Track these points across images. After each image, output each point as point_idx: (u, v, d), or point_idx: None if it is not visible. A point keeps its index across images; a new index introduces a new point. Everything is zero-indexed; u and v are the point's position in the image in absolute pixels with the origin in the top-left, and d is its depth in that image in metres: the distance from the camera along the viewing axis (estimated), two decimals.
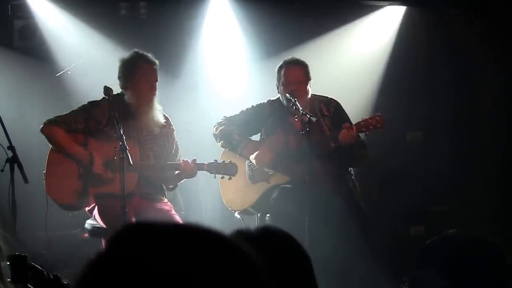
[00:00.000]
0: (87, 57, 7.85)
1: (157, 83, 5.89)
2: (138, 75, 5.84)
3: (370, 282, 5.88)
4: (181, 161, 5.84)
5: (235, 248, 1.22)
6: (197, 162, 5.83)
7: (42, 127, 5.86)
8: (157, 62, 5.89)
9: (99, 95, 5.77)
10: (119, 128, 5.26)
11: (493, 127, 8.12)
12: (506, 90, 8.07)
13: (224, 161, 5.99)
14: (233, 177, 5.95)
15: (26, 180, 5.37)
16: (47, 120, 5.87)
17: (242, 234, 1.82)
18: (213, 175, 5.93)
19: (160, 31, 8.09)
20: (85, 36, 7.98)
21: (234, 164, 5.93)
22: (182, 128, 6.94)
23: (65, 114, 5.89)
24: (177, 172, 5.93)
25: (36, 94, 7.92)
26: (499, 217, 7.79)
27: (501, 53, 8.02)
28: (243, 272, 1.19)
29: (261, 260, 1.22)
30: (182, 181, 6.06)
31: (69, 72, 7.78)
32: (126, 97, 5.88)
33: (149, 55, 5.89)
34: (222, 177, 5.96)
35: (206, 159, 5.91)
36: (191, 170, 5.81)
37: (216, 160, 5.94)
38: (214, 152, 6.32)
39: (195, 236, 1.21)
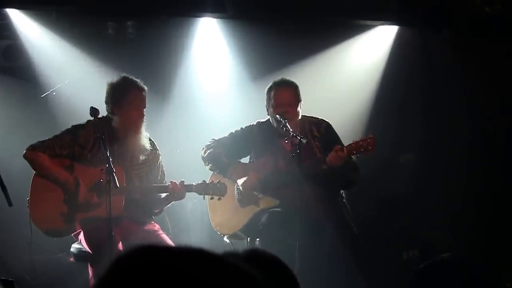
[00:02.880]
0: (73, 78, 7.78)
1: (145, 109, 5.82)
2: (127, 101, 5.77)
3: None
4: (169, 183, 5.74)
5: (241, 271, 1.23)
6: (185, 183, 5.73)
7: (25, 152, 5.76)
8: (146, 88, 5.81)
9: (85, 116, 5.67)
10: (106, 150, 5.17)
11: (487, 149, 8.07)
12: (499, 111, 8.03)
13: (213, 181, 5.91)
14: (222, 199, 5.88)
15: (10, 203, 5.24)
16: (30, 145, 5.77)
17: (230, 256, 1.73)
18: (202, 196, 5.84)
19: (148, 51, 8.04)
20: (71, 56, 7.92)
21: (223, 184, 5.85)
22: (170, 150, 6.86)
23: (48, 139, 5.79)
24: (164, 195, 5.84)
25: (21, 114, 7.83)
26: (494, 240, 7.73)
27: (495, 75, 7.98)
28: None
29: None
30: (169, 204, 5.96)
31: (54, 93, 7.70)
32: (113, 122, 5.79)
33: (138, 80, 5.82)
34: (212, 198, 5.87)
35: (195, 181, 5.82)
36: (179, 191, 5.73)
37: (204, 181, 5.85)
38: (203, 174, 6.23)
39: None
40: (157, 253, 1.21)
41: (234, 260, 1.26)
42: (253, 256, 1.81)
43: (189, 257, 1.21)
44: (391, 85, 8.33)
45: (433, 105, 8.45)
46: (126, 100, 5.76)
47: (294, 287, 1.85)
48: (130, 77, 5.86)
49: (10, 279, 5.22)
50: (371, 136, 5.69)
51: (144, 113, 5.82)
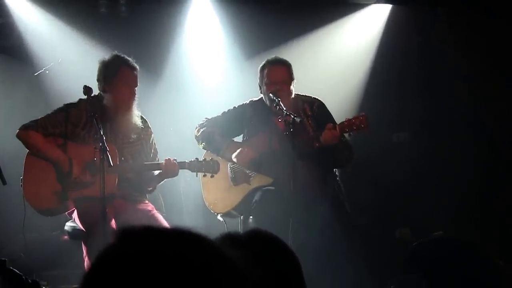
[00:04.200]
0: (65, 57, 7.75)
1: (136, 88, 5.82)
2: (119, 79, 5.76)
3: (355, 284, 5.80)
4: (163, 161, 5.75)
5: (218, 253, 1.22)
6: (178, 161, 5.74)
7: (18, 132, 5.77)
8: (137, 67, 5.81)
9: (78, 94, 5.66)
10: (99, 129, 5.16)
11: (480, 128, 8.07)
12: (493, 90, 8.03)
13: (205, 158, 5.91)
14: (215, 178, 5.89)
15: (4, 182, 5.24)
16: (22, 125, 5.78)
17: (231, 238, 1.75)
18: (195, 173, 5.86)
19: (141, 30, 8.02)
20: (64, 34, 7.89)
21: (216, 161, 5.86)
22: (163, 129, 6.85)
23: (40, 118, 5.80)
24: (157, 172, 5.85)
25: (13, 94, 7.81)
26: (485, 218, 7.76)
27: (491, 51, 7.96)
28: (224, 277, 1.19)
29: (250, 265, 1.27)
30: (162, 182, 5.98)
31: (47, 72, 7.67)
32: (104, 100, 5.78)
33: (130, 59, 5.82)
34: (204, 175, 5.87)
35: (188, 159, 5.83)
36: (172, 169, 5.73)
37: (197, 158, 5.85)
38: (196, 152, 6.23)
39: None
40: (146, 239, 1.21)
41: (227, 244, 1.27)
42: (254, 237, 1.83)
43: (179, 244, 1.21)
44: (385, 64, 8.33)
45: (428, 84, 8.45)
46: (117, 78, 5.75)
47: (295, 268, 1.87)
48: (122, 55, 5.85)
49: (2, 259, 5.22)
50: (362, 114, 5.70)
51: (136, 92, 5.82)
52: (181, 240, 1.22)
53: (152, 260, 1.15)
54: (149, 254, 1.17)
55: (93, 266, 1.20)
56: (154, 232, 1.22)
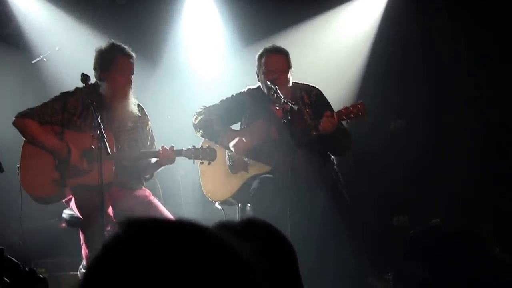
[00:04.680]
0: (63, 44, 7.73)
1: (133, 76, 5.82)
2: (115, 68, 5.77)
3: (353, 273, 5.82)
4: (160, 148, 5.75)
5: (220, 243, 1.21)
6: (175, 148, 5.75)
7: (14, 120, 5.78)
8: (134, 55, 5.81)
9: (76, 83, 5.67)
10: (97, 117, 5.17)
11: (477, 116, 8.06)
12: (492, 79, 8.01)
13: (202, 146, 5.91)
14: (213, 166, 5.90)
15: (1, 169, 5.24)
16: (19, 113, 5.79)
17: (226, 227, 1.75)
18: (192, 161, 5.85)
19: (138, 17, 8.01)
20: (61, 22, 7.87)
21: (213, 149, 5.87)
22: (160, 116, 6.85)
23: (37, 106, 5.81)
24: (154, 160, 5.86)
25: (10, 82, 7.80)
26: (483, 206, 7.76)
27: (491, 40, 7.95)
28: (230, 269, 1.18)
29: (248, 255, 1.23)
30: (160, 169, 5.98)
31: (44, 60, 7.66)
32: (101, 88, 5.78)
33: (126, 47, 5.82)
34: (201, 162, 5.88)
35: (185, 147, 5.83)
36: (169, 156, 5.74)
37: (194, 146, 5.85)
38: (193, 140, 6.22)
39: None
40: (152, 231, 1.20)
41: (226, 235, 1.24)
42: (250, 226, 1.82)
43: (186, 237, 1.20)
44: (383, 52, 8.30)
45: (427, 71, 8.42)
46: (113, 66, 5.76)
47: (291, 257, 1.87)
48: (118, 43, 5.85)
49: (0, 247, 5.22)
50: (360, 101, 5.70)
51: (132, 80, 5.82)
52: (187, 232, 1.20)
53: (159, 253, 1.14)
54: (156, 247, 1.15)
55: (98, 257, 1.19)
56: (159, 224, 1.21)
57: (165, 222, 1.22)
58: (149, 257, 1.14)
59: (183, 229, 1.21)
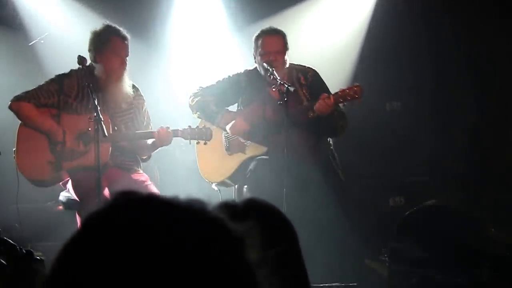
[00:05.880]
0: (59, 27, 7.71)
1: (127, 57, 5.83)
2: (109, 49, 5.77)
3: (349, 253, 5.84)
4: (157, 129, 5.76)
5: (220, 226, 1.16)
6: (171, 129, 5.76)
7: (10, 103, 5.79)
8: (128, 36, 5.81)
9: (72, 65, 5.68)
10: (94, 99, 5.19)
11: (472, 97, 8.07)
12: (486, 60, 8.01)
13: (198, 126, 5.92)
14: (210, 147, 5.92)
15: None
16: (15, 96, 5.80)
17: (227, 208, 1.75)
18: (189, 141, 5.87)
19: None
20: (58, 4, 7.83)
21: (209, 128, 5.87)
22: (156, 97, 6.85)
23: (33, 89, 5.81)
24: (151, 141, 5.86)
25: (7, 63, 7.78)
26: (477, 187, 7.78)
27: (489, 21, 7.93)
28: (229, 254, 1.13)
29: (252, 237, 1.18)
30: (156, 150, 5.99)
31: (42, 42, 7.64)
32: (96, 70, 5.78)
33: (121, 29, 5.82)
34: (198, 142, 5.90)
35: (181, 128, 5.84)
36: (166, 137, 5.75)
37: (190, 126, 5.86)
38: (190, 121, 6.23)
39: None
40: (139, 208, 1.13)
41: (223, 213, 1.19)
42: (251, 207, 1.82)
43: (180, 216, 1.13)
44: (378, 34, 8.29)
45: (422, 52, 8.42)
46: (107, 47, 5.76)
47: (292, 237, 1.88)
48: (113, 25, 5.86)
49: None
50: (357, 84, 5.71)
51: (127, 61, 5.82)
52: (181, 211, 1.14)
53: (140, 232, 1.07)
54: (137, 225, 1.09)
55: (79, 230, 1.15)
56: (150, 202, 1.14)
57: (159, 200, 1.15)
58: (129, 235, 1.08)
59: (179, 208, 1.15)
